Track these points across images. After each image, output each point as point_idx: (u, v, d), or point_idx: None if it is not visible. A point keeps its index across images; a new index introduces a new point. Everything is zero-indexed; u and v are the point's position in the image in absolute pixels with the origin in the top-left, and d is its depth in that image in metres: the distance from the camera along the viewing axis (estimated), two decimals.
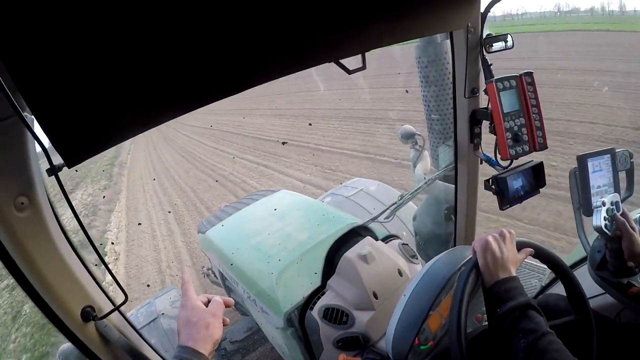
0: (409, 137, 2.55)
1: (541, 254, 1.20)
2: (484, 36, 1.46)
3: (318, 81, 18.43)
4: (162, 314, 2.88)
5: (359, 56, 1.12)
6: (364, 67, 1.16)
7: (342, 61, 1.07)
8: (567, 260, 1.30)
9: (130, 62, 0.71)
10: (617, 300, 1.35)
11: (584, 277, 1.33)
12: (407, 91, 12.27)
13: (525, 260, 1.23)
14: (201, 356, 0.87)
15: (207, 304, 0.98)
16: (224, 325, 0.97)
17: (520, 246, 1.17)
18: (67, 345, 2.18)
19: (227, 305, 1.01)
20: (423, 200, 2.61)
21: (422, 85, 2.31)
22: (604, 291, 1.37)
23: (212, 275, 3.47)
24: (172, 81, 0.78)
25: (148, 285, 5.73)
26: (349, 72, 1.12)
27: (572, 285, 1.20)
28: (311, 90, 18.07)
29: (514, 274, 1.07)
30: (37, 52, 0.60)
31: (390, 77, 14.94)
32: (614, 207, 1.30)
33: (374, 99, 13.66)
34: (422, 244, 2.61)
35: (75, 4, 0.61)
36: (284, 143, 11.54)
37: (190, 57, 0.77)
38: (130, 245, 7.52)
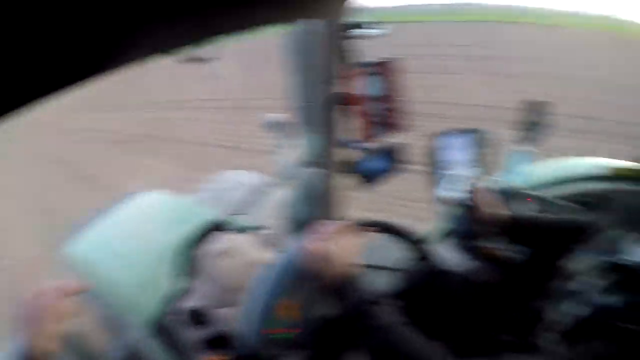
0: (275, 126, 2.53)
1: (384, 228, 1.29)
2: (351, 23, 1.49)
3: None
4: None
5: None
6: (211, 59, 1.05)
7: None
8: (432, 232, 1.43)
9: None
10: (478, 262, 1.49)
11: (449, 247, 1.47)
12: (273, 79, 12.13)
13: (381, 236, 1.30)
14: None
15: None
16: None
17: (358, 229, 1.19)
18: None
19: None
20: (295, 188, 2.62)
21: (290, 73, 2.31)
22: (466, 257, 1.53)
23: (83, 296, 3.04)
24: None
25: None
26: (199, 61, 1.00)
27: (416, 246, 1.31)
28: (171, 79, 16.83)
29: (353, 267, 1.06)
30: None
31: (258, 66, 14.70)
32: (464, 180, 1.46)
33: (239, 89, 13.37)
34: (295, 232, 2.63)
35: None
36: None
37: None
38: None
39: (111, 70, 0.78)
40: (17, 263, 6.39)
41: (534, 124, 1.64)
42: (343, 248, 1.05)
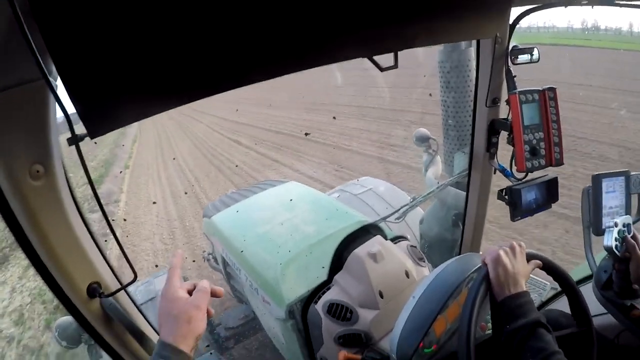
0: (423, 140, 2.54)
1: (549, 267, 1.20)
2: (511, 47, 1.44)
3: (339, 77, 18.24)
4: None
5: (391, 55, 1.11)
6: (395, 66, 1.14)
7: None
8: (572, 276, 1.32)
9: (162, 44, 0.71)
10: (618, 321, 1.35)
11: (588, 295, 1.33)
12: (430, 94, 12.17)
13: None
14: (182, 354, 0.81)
15: (191, 291, 0.90)
16: (208, 316, 0.89)
17: (528, 258, 1.16)
18: (65, 318, 2.17)
19: (214, 295, 0.92)
20: (431, 204, 2.59)
21: (442, 90, 2.30)
22: (606, 311, 1.37)
23: (213, 260, 3.46)
24: (201, 65, 0.78)
25: (156, 266, 5.75)
26: (381, 69, 1.11)
27: (577, 299, 1.21)
28: (337, 86, 17.86)
29: (524, 288, 1.07)
30: (72, 15, 0.59)
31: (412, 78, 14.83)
32: (625, 229, 1.29)
33: (393, 99, 13.59)
34: (427, 248, 2.61)
35: None
36: (306, 134, 11.51)
37: (222, 44, 0.78)
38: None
39: (299, 69, 0.92)
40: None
41: None
42: (520, 267, 1.11)
